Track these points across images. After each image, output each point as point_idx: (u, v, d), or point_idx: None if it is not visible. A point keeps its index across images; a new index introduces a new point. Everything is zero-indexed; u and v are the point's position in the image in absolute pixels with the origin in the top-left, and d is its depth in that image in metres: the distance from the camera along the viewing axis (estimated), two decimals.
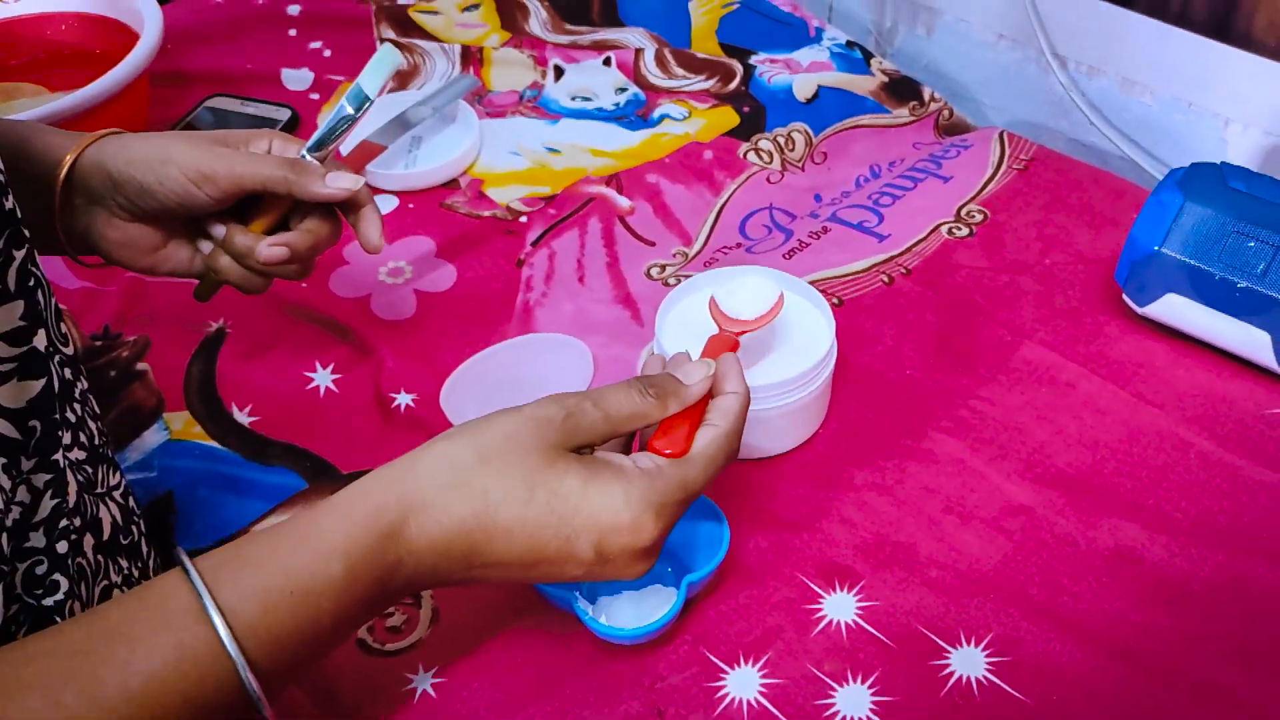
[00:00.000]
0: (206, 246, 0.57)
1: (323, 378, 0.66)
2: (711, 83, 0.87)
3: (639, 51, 0.90)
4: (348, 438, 0.62)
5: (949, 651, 0.50)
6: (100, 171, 0.52)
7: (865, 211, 0.75)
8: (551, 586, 0.50)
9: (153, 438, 0.63)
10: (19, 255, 0.40)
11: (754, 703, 0.49)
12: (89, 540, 0.44)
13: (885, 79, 0.87)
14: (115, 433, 0.63)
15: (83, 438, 0.45)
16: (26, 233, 0.42)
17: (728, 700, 0.49)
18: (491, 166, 0.80)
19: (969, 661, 0.50)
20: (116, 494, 0.49)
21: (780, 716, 0.48)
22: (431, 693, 0.50)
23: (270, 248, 0.55)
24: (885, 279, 0.70)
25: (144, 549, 0.51)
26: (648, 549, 0.44)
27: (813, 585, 0.53)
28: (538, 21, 0.94)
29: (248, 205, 0.56)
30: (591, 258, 0.74)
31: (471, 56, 0.90)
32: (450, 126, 0.82)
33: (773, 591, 0.53)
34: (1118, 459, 0.58)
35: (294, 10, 0.95)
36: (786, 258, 0.72)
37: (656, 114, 0.84)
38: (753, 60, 0.89)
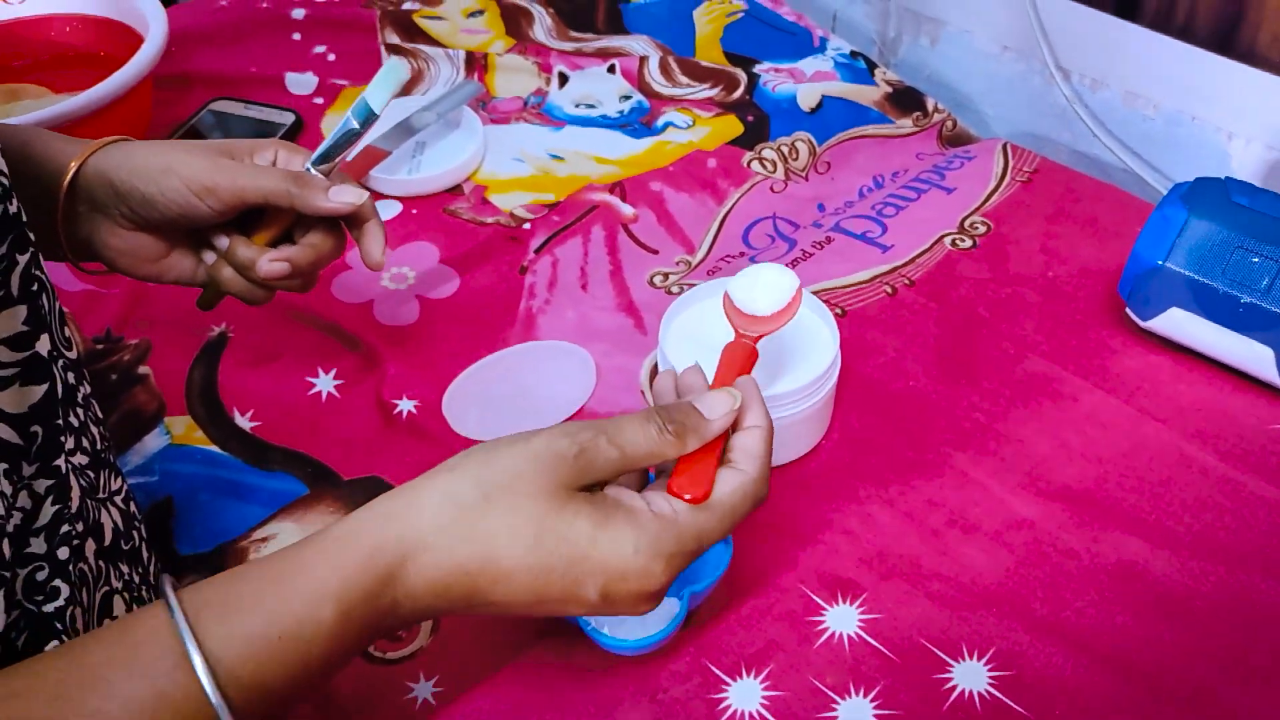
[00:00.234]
0: (210, 257, 0.56)
1: (325, 383, 0.66)
2: (716, 91, 0.87)
3: (643, 59, 0.90)
4: (349, 444, 0.62)
5: (951, 665, 0.50)
6: (103, 180, 0.52)
7: (869, 222, 0.75)
8: None
9: (154, 442, 0.62)
10: (22, 260, 0.40)
11: (756, 715, 0.49)
12: (90, 546, 0.44)
13: (889, 89, 0.87)
14: (116, 436, 0.63)
15: (85, 442, 0.45)
16: (31, 236, 0.41)
17: (730, 712, 0.49)
18: (495, 173, 0.80)
19: (971, 675, 0.50)
20: (118, 499, 0.49)
21: None
22: (432, 701, 0.50)
23: (270, 263, 0.54)
24: (888, 290, 0.70)
25: (145, 554, 0.51)
26: (654, 593, 0.42)
27: (815, 597, 0.53)
28: (542, 28, 0.94)
29: (252, 216, 0.56)
30: (595, 265, 0.74)
31: (476, 62, 0.90)
32: (454, 132, 0.82)
33: (775, 603, 0.53)
34: (1120, 473, 0.58)
35: (298, 14, 0.95)
36: (790, 267, 0.72)
37: (660, 122, 0.84)
38: (757, 69, 0.89)
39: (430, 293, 0.71)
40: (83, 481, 0.44)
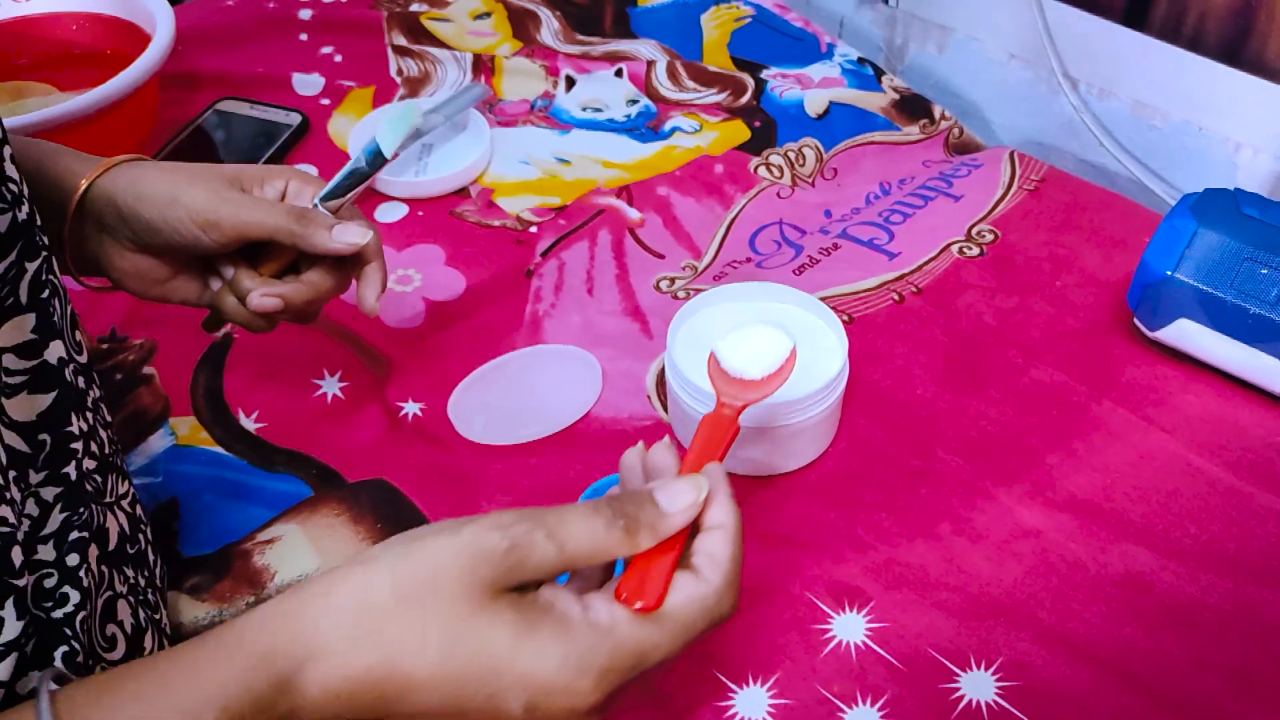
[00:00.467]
0: (216, 283, 0.55)
1: (330, 385, 0.65)
2: (723, 96, 0.87)
3: (651, 63, 0.90)
4: (355, 446, 0.62)
5: (959, 675, 0.50)
6: (110, 204, 0.51)
7: (875, 229, 0.75)
8: None
9: (158, 442, 0.62)
10: (31, 267, 0.40)
11: None
12: (93, 551, 0.44)
13: (896, 96, 0.87)
14: (120, 436, 0.62)
15: (93, 447, 0.45)
16: (44, 240, 0.41)
17: None
18: (502, 176, 0.80)
19: (979, 685, 0.50)
20: (125, 502, 0.49)
21: None
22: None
23: (262, 297, 0.53)
24: (896, 297, 0.70)
25: (151, 557, 0.51)
26: (589, 711, 0.37)
27: (822, 605, 0.53)
28: (549, 31, 0.94)
29: (259, 246, 0.54)
30: (601, 269, 0.74)
31: (483, 65, 0.90)
32: (461, 135, 0.82)
33: (782, 611, 0.53)
34: (1128, 483, 0.58)
35: (305, 15, 0.94)
36: (797, 274, 0.72)
37: (668, 126, 0.84)
38: (764, 75, 0.89)
39: (436, 295, 0.71)
40: (90, 486, 0.44)
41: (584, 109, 0.86)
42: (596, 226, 0.76)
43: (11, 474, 0.38)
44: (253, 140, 0.82)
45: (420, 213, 0.77)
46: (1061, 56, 0.86)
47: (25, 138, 0.53)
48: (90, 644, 0.42)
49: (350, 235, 0.53)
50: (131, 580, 0.47)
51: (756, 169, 0.81)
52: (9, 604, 0.37)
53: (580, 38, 0.94)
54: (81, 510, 0.42)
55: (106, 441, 0.47)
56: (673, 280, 0.73)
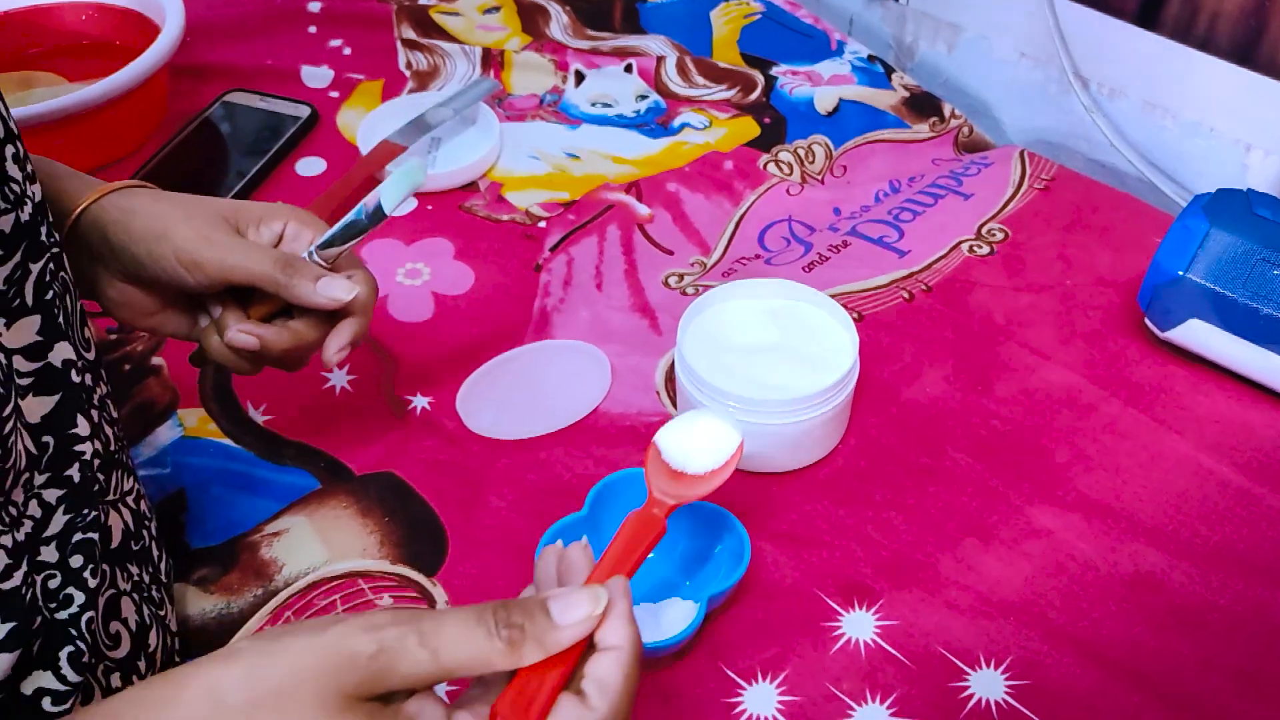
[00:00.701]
0: (204, 320, 0.54)
1: (338, 378, 0.65)
2: (733, 93, 0.87)
3: (660, 59, 0.90)
4: (363, 439, 0.62)
5: (968, 673, 0.50)
6: (100, 233, 0.50)
7: (885, 226, 0.75)
8: None
9: (166, 434, 0.62)
10: (35, 268, 0.40)
11: (771, 719, 0.48)
12: (96, 549, 0.43)
13: (906, 94, 0.87)
14: (128, 428, 0.62)
15: (98, 444, 0.45)
16: (54, 237, 0.41)
17: (745, 717, 0.49)
18: (511, 170, 0.80)
19: (988, 684, 0.50)
20: (129, 499, 0.48)
21: None
22: (446, 700, 0.49)
23: (239, 333, 0.51)
24: (905, 295, 0.69)
25: (155, 553, 0.50)
26: None
27: (831, 603, 0.53)
28: (559, 26, 0.94)
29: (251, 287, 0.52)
30: (610, 265, 0.73)
31: (492, 59, 0.90)
32: (470, 129, 0.82)
33: (791, 608, 0.53)
34: (1138, 484, 0.58)
35: (315, 7, 0.94)
36: (806, 270, 0.71)
37: (677, 122, 0.84)
38: (774, 71, 0.89)
39: (445, 289, 0.71)
40: (94, 485, 0.44)
41: (593, 104, 0.86)
42: (605, 222, 0.76)
43: (9, 476, 0.38)
44: (261, 132, 0.81)
45: (429, 206, 0.77)
46: (1073, 56, 0.85)
47: (32, 155, 0.52)
48: (95, 643, 0.42)
49: (334, 290, 0.50)
50: (135, 577, 0.47)
51: (766, 165, 0.81)
52: None
53: (590, 33, 0.94)
54: (86, 511, 0.42)
55: (112, 438, 0.47)
56: (681, 276, 0.73)
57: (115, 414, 0.49)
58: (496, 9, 0.95)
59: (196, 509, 0.59)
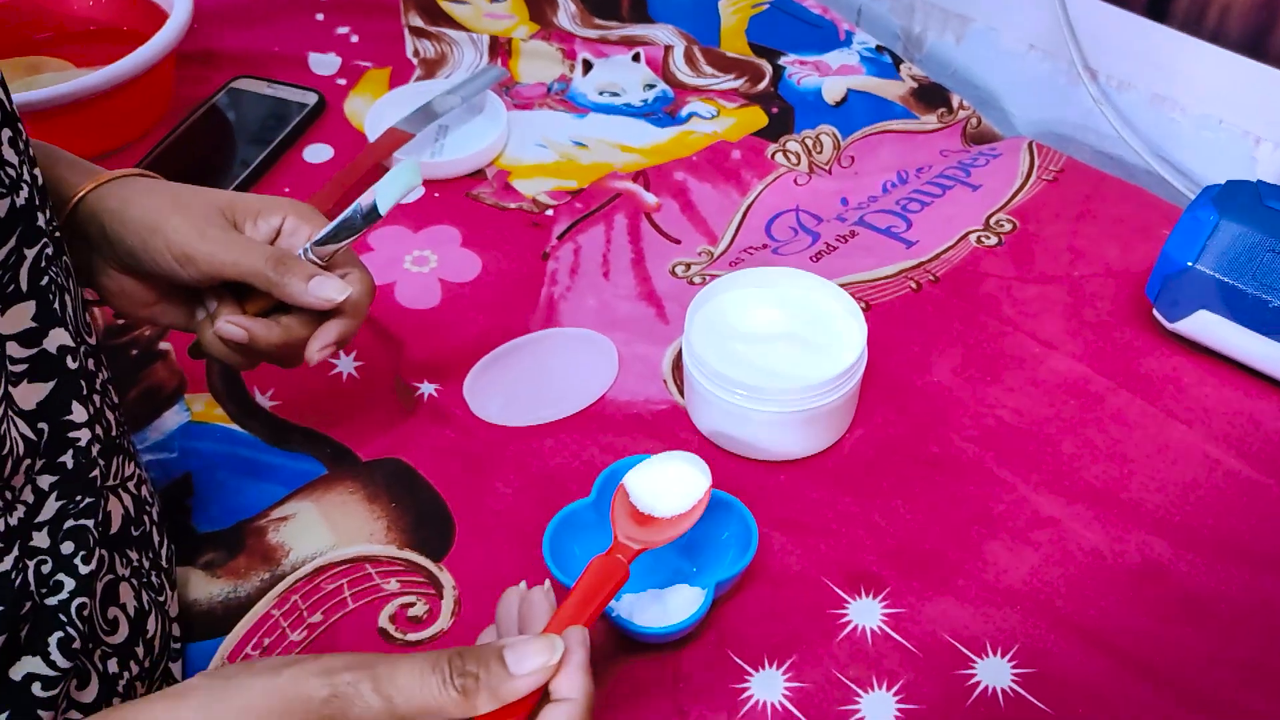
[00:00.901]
0: (201, 313, 0.53)
1: (345, 364, 0.65)
2: (740, 82, 0.87)
3: (668, 48, 0.89)
4: (369, 425, 0.62)
5: (975, 661, 0.50)
6: (96, 223, 0.49)
7: (893, 217, 0.75)
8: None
9: (173, 419, 0.62)
10: (30, 254, 0.40)
11: (778, 706, 0.48)
12: (90, 536, 0.43)
13: (914, 85, 0.87)
14: (135, 413, 0.62)
15: (99, 430, 0.45)
16: (51, 221, 0.41)
17: (752, 702, 0.49)
18: (519, 158, 0.80)
19: (995, 672, 0.50)
20: (130, 484, 0.48)
21: None
22: None
23: (226, 323, 0.50)
24: (913, 285, 0.69)
25: (156, 538, 0.50)
26: None
27: (838, 590, 0.53)
28: (566, 15, 0.94)
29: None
30: (617, 253, 0.73)
31: (499, 47, 0.90)
32: (477, 117, 0.82)
33: (798, 595, 0.53)
34: (1145, 474, 0.58)
35: None
36: (814, 260, 0.71)
37: (685, 112, 0.84)
38: (782, 61, 0.88)
39: (452, 276, 0.71)
40: (94, 470, 0.43)
41: (601, 93, 0.85)
42: (613, 210, 0.76)
43: (8, 463, 0.38)
44: (268, 119, 0.81)
45: (436, 194, 0.77)
46: (1082, 48, 0.85)
47: (33, 140, 0.52)
48: (91, 629, 0.42)
49: (326, 290, 0.49)
50: (135, 563, 0.47)
51: (773, 155, 0.81)
52: None
53: (598, 21, 0.93)
54: (79, 498, 0.42)
55: (114, 424, 0.47)
56: (689, 265, 0.72)
57: (117, 399, 0.48)
58: None
59: (203, 494, 0.59)
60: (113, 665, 0.44)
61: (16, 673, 0.39)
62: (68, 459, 0.41)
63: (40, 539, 0.40)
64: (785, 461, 0.59)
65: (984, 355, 0.65)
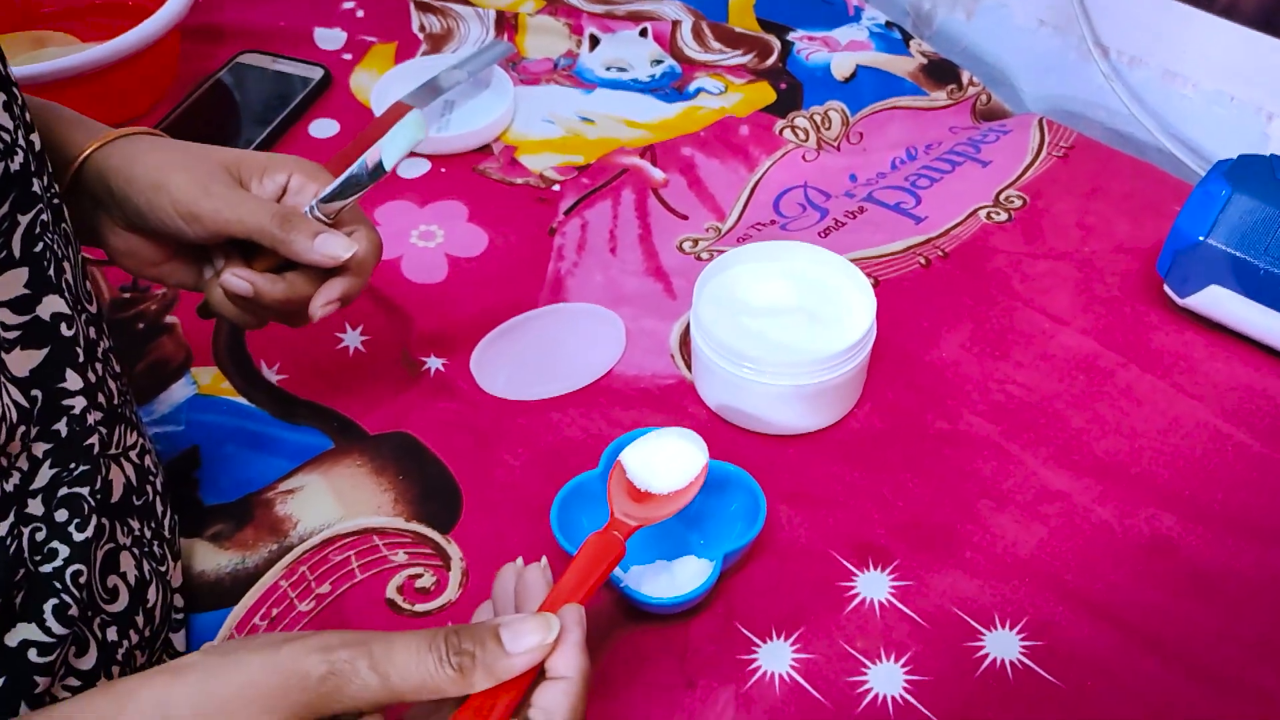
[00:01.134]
0: (209, 272, 0.53)
1: (352, 338, 0.65)
2: (749, 58, 0.86)
3: (676, 24, 0.89)
4: (376, 400, 0.61)
5: (983, 634, 0.50)
6: (102, 181, 0.49)
7: (902, 193, 0.74)
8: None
9: (180, 391, 0.62)
10: (24, 220, 0.39)
11: (786, 677, 0.48)
12: (84, 504, 0.43)
13: (924, 61, 0.86)
14: (142, 385, 0.62)
15: (101, 398, 0.44)
16: (49, 185, 0.40)
17: (760, 674, 0.49)
18: (525, 134, 0.79)
19: (1003, 644, 0.50)
20: (133, 454, 0.48)
21: (812, 691, 0.48)
22: None
23: (233, 277, 0.49)
24: (922, 261, 0.69)
25: (159, 509, 0.50)
26: None
27: (846, 563, 0.53)
28: None
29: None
30: (624, 229, 0.73)
31: (506, 22, 0.89)
32: (484, 92, 0.81)
33: (805, 568, 0.53)
34: (1155, 449, 0.58)
35: None
36: (822, 236, 0.71)
37: (693, 87, 0.83)
38: (791, 37, 0.88)
39: (459, 251, 0.71)
40: (94, 438, 0.43)
41: (608, 68, 0.85)
42: (620, 186, 0.76)
43: (2, 430, 0.38)
44: (273, 94, 0.81)
45: (443, 169, 0.76)
46: (1093, 23, 0.84)
47: (37, 100, 0.51)
48: (90, 596, 0.42)
49: (331, 247, 0.49)
50: (136, 532, 0.47)
51: (781, 131, 0.80)
52: None
53: None
54: (73, 466, 0.42)
55: (116, 393, 0.47)
56: (696, 241, 0.72)
57: (119, 368, 0.48)
58: None
59: (210, 466, 0.59)
60: (112, 633, 0.44)
61: (12, 639, 0.39)
62: (61, 427, 0.41)
63: (35, 506, 0.40)
64: (793, 436, 0.59)
65: (993, 330, 0.64)
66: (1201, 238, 0.61)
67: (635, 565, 0.51)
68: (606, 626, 0.50)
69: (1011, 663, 0.49)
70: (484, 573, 0.53)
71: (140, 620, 0.46)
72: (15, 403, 0.39)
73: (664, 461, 0.46)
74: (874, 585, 0.52)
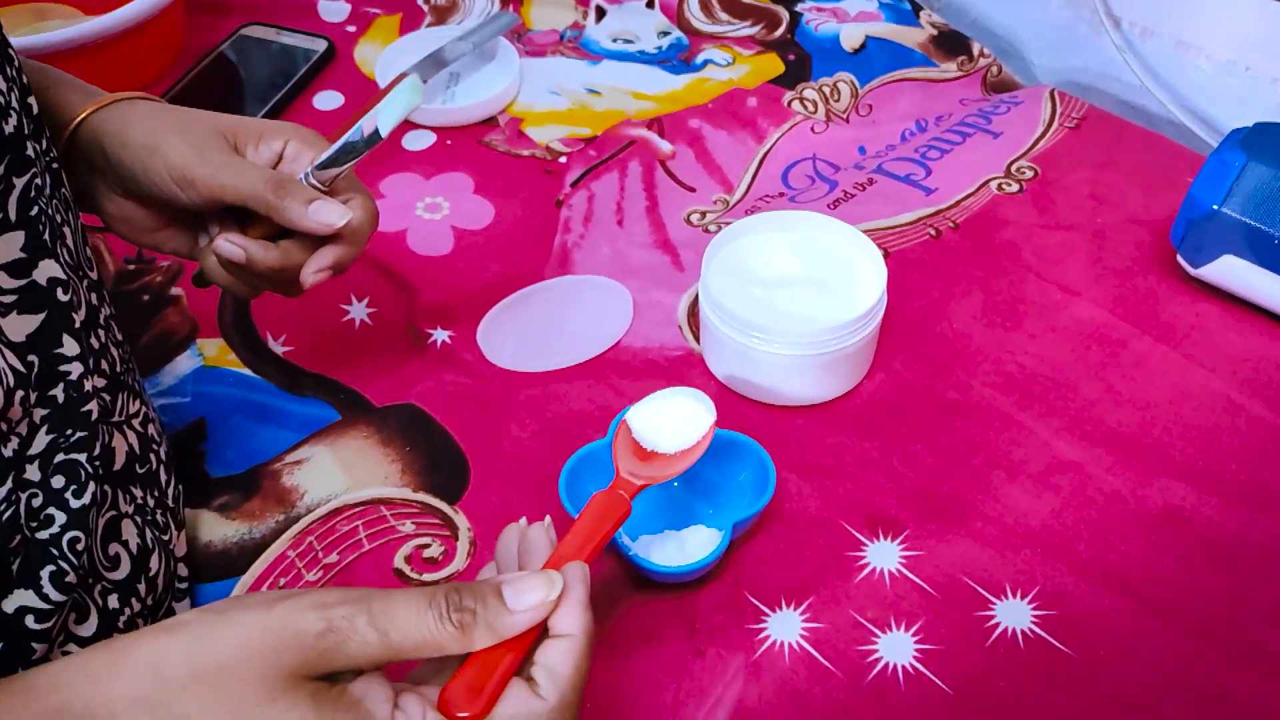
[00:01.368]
0: (204, 240, 0.52)
1: (358, 311, 0.65)
2: (757, 29, 0.85)
3: None
4: (382, 371, 0.61)
5: (994, 603, 0.50)
6: (97, 145, 0.49)
7: (912, 164, 0.73)
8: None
9: (186, 363, 0.62)
10: (20, 183, 0.39)
11: (795, 646, 0.48)
12: (81, 470, 0.42)
13: (934, 32, 0.85)
14: (147, 357, 0.62)
15: (104, 365, 0.44)
16: (45, 150, 0.40)
17: (769, 643, 0.48)
18: (531, 105, 0.79)
19: (1014, 613, 0.49)
20: (135, 421, 0.48)
21: (822, 660, 0.48)
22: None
23: (226, 243, 0.49)
24: (933, 232, 0.68)
25: (163, 477, 0.50)
26: None
27: (856, 533, 0.53)
28: None
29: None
30: (631, 201, 0.72)
31: None
32: (489, 64, 0.80)
33: (815, 538, 0.52)
34: (1168, 419, 0.57)
35: None
36: (831, 208, 0.70)
37: (700, 59, 0.83)
38: (799, 8, 0.87)
39: (465, 224, 0.70)
40: (98, 404, 0.43)
41: (614, 40, 0.84)
42: (627, 158, 0.75)
43: (0, 394, 0.37)
44: (277, 66, 0.80)
45: (448, 141, 0.76)
46: None
47: (35, 63, 0.50)
48: (90, 563, 0.42)
49: (326, 215, 0.48)
50: (139, 500, 0.47)
51: (790, 103, 0.79)
52: None
53: None
54: (70, 432, 0.41)
55: (118, 359, 0.46)
56: (704, 214, 0.72)
57: (121, 336, 0.48)
58: None
59: (216, 438, 0.58)
60: (113, 601, 0.44)
61: (9, 605, 0.39)
62: (58, 392, 0.41)
63: (32, 471, 0.40)
64: (803, 407, 0.58)
65: (1004, 301, 0.64)
66: (1216, 206, 0.60)
67: (644, 534, 0.50)
68: (616, 596, 0.50)
69: (1023, 632, 0.49)
70: (492, 542, 0.52)
71: (142, 588, 0.46)
72: (12, 367, 0.38)
73: (671, 421, 0.46)
74: (884, 555, 0.52)
